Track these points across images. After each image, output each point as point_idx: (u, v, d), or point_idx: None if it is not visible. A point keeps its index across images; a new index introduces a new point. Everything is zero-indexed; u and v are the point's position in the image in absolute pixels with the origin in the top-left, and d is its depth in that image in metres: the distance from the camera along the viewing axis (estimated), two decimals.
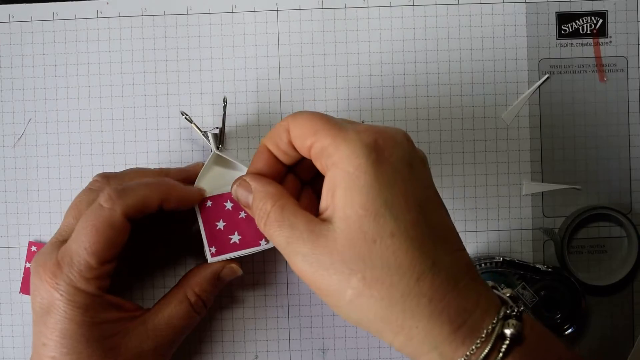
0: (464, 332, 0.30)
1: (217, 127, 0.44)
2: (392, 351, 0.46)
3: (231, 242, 0.40)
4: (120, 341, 0.37)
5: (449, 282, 0.30)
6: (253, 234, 0.40)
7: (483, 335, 0.30)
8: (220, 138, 0.44)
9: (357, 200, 0.30)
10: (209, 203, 0.41)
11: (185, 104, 0.46)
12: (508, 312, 0.31)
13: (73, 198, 0.46)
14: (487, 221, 0.46)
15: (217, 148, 0.43)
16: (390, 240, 0.30)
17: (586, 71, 0.46)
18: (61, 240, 0.38)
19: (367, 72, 0.46)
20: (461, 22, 0.46)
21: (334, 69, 0.46)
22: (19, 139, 0.46)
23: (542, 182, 0.46)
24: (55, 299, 0.36)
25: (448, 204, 0.46)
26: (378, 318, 0.30)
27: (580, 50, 0.46)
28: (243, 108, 0.46)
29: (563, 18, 0.46)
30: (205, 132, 0.44)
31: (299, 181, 0.38)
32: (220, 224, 0.40)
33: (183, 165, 0.45)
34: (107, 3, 0.46)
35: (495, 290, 0.33)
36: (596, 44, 0.46)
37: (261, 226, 0.34)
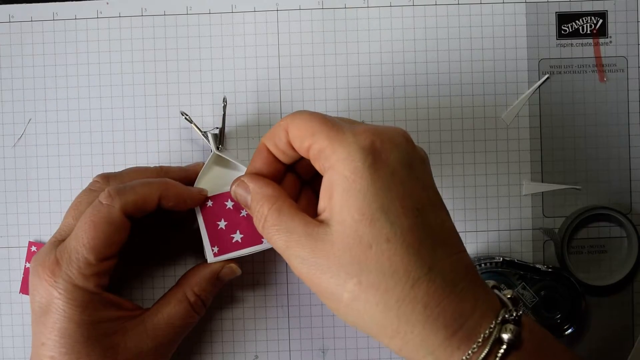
0: (460, 337, 0.30)
1: (217, 127, 0.44)
2: (392, 351, 0.46)
3: (233, 241, 0.40)
4: (119, 340, 0.37)
5: (445, 287, 0.30)
6: (255, 232, 0.40)
7: (480, 340, 0.30)
8: (220, 138, 0.44)
9: (354, 205, 0.30)
10: (209, 203, 0.41)
11: (185, 104, 0.46)
12: (506, 316, 0.30)
13: (73, 198, 0.46)
14: (487, 221, 0.46)
15: (217, 148, 0.43)
16: (385, 245, 0.30)
17: (586, 71, 0.46)
18: (60, 240, 0.38)
19: (367, 72, 0.46)
20: (461, 22, 0.46)
21: (334, 69, 0.46)
22: (19, 139, 0.46)
23: (542, 182, 0.46)
24: (53, 298, 0.36)
25: (448, 204, 0.46)
26: (373, 322, 0.31)
27: (580, 50, 0.46)
28: (243, 108, 0.46)
29: (563, 18, 0.46)
30: (205, 132, 0.44)
31: (299, 180, 0.38)
32: (222, 224, 0.40)
33: (183, 165, 0.45)
34: (107, 3, 0.46)
35: (496, 291, 0.33)
36: (596, 44, 0.46)
37: (259, 229, 0.34)
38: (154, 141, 0.46)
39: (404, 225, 0.30)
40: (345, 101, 0.46)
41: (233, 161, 0.42)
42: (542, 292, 0.44)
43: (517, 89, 0.46)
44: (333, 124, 0.32)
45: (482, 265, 0.44)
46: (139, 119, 0.46)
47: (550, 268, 0.44)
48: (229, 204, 0.41)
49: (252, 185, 0.35)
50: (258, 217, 0.34)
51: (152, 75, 0.46)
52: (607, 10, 0.46)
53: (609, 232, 0.46)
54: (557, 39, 0.46)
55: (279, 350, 0.46)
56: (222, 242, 0.40)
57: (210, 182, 0.42)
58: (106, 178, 0.40)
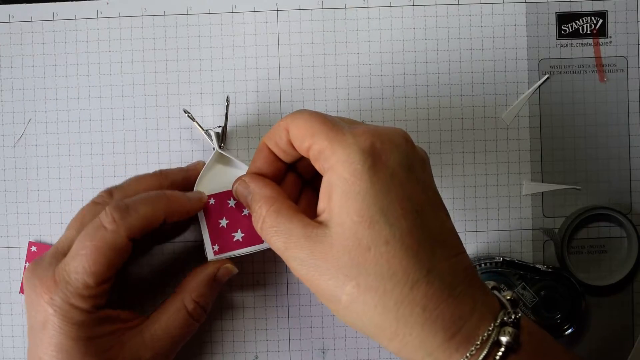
0: (459, 339, 0.30)
1: (219, 126, 0.44)
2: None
3: (234, 239, 0.40)
4: (117, 353, 0.37)
5: (443, 289, 0.30)
6: (256, 231, 0.40)
7: (478, 343, 0.30)
8: (222, 137, 0.44)
9: (353, 207, 0.30)
10: (211, 201, 0.41)
11: (185, 104, 0.46)
12: (505, 318, 0.30)
13: (73, 198, 0.46)
14: (487, 221, 0.46)
15: (220, 146, 0.43)
16: (384, 247, 0.30)
17: (586, 71, 0.46)
18: (61, 252, 0.37)
19: (367, 72, 0.46)
20: (461, 22, 0.46)
21: (334, 69, 0.46)
22: (19, 139, 0.46)
23: (542, 182, 0.46)
24: (49, 315, 0.35)
25: (448, 204, 0.46)
26: (372, 324, 0.31)
27: (580, 50, 0.46)
28: (243, 108, 0.46)
29: (563, 18, 0.46)
30: (207, 130, 0.44)
31: (300, 179, 0.38)
32: (223, 222, 0.40)
33: (183, 165, 0.45)
34: (107, 3, 0.46)
35: (495, 292, 0.33)
36: (596, 44, 0.46)
37: (257, 229, 0.34)
38: (154, 141, 0.46)
39: (403, 227, 0.30)
40: (345, 101, 0.46)
41: (235, 159, 0.42)
42: (542, 292, 0.44)
43: (517, 89, 0.46)
44: (333, 125, 0.32)
45: (482, 265, 0.44)
46: (139, 119, 0.46)
47: (550, 268, 0.44)
48: (231, 203, 0.41)
49: (252, 184, 0.35)
50: (256, 217, 0.34)
51: (152, 75, 0.46)
52: (607, 10, 0.46)
53: (609, 232, 0.46)
54: (557, 39, 0.46)
55: (279, 350, 0.46)
56: (222, 241, 0.40)
57: (213, 180, 0.42)
58: (109, 192, 0.40)
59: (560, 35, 0.46)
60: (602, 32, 0.46)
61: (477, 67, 0.46)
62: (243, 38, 0.46)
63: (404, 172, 0.32)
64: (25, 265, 0.46)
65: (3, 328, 0.46)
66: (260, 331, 0.46)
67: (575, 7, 0.46)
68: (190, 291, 0.40)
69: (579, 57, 0.46)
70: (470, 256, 0.46)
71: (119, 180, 0.46)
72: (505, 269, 0.44)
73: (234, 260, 0.41)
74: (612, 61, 0.46)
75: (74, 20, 0.46)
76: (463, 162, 0.46)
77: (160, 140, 0.46)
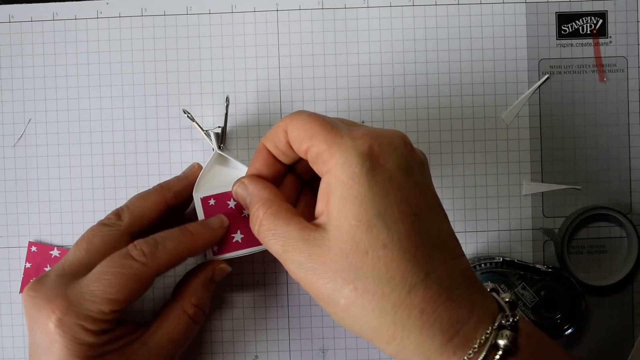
0: (456, 343, 0.30)
1: (219, 127, 0.44)
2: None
3: (233, 240, 0.40)
4: None
5: (441, 293, 0.30)
6: None
7: (476, 346, 0.29)
8: (222, 137, 0.44)
9: (350, 211, 0.30)
10: (211, 201, 0.41)
11: (185, 104, 0.46)
12: (503, 321, 0.30)
13: (73, 198, 0.46)
14: (487, 221, 0.46)
15: (219, 147, 0.43)
16: (382, 251, 0.30)
17: (586, 71, 0.46)
18: (69, 273, 0.37)
19: (367, 72, 0.46)
20: (461, 22, 0.46)
21: (334, 69, 0.46)
22: (19, 139, 0.46)
23: (542, 182, 0.46)
24: (57, 334, 0.35)
25: (448, 204, 0.46)
26: (370, 327, 0.30)
27: (580, 50, 0.46)
28: (243, 108, 0.46)
29: (563, 18, 0.46)
30: (207, 131, 0.44)
31: (299, 181, 0.38)
32: None
33: (183, 166, 0.45)
34: (107, 3, 0.46)
35: (494, 294, 0.33)
36: (596, 44, 0.46)
37: (255, 232, 0.34)
38: (154, 141, 0.46)
39: (401, 230, 0.30)
40: (345, 101, 0.46)
41: (234, 160, 0.42)
42: (542, 292, 0.44)
43: (517, 89, 0.46)
44: (331, 127, 0.32)
45: (482, 265, 0.44)
46: (139, 119, 0.46)
47: (550, 268, 0.44)
48: (231, 204, 0.41)
49: (250, 187, 0.35)
50: (253, 219, 0.34)
51: (152, 75, 0.46)
52: (607, 10, 0.46)
53: (609, 232, 0.46)
54: (557, 39, 0.46)
55: (279, 350, 0.46)
56: (222, 242, 0.40)
57: (212, 181, 0.42)
58: (117, 214, 0.40)
59: (560, 35, 0.46)
60: (602, 32, 0.46)
61: (477, 67, 0.46)
62: (243, 38, 0.46)
63: (402, 175, 0.31)
64: (25, 266, 0.46)
65: (3, 328, 0.46)
66: (260, 331, 0.46)
67: (575, 7, 0.46)
68: (189, 296, 0.40)
69: (579, 57, 0.46)
70: (470, 256, 0.46)
71: (119, 180, 0.46)
72: (505, 269, 0.44)
73: (234, 260, 0.41)
74: (612, 61, 0.46)
75: (74, 20, 0.46)
76: (463, 162, 0.46)
77: (160, 140, 0.46)
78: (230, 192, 0.39)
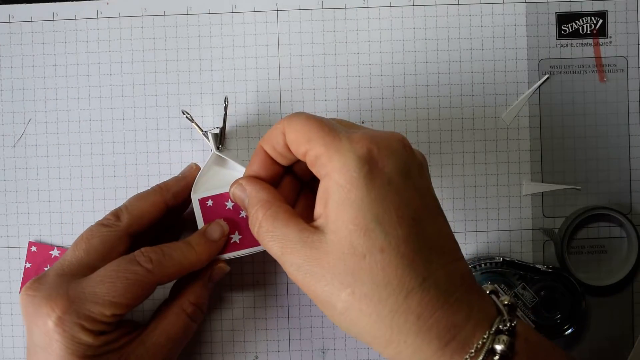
0: (453, 347, 0.29)
1: (218, 127, 0.44)
2: None
3: (232, 241, 0.40)
4: None
5: (439, 297, 0.30)
6: None
7: (472, 351, 0.29)
8: (220, 138, 0.44)
9: (348, 215, 0.30)
10: (209, 202, 0.41)
11: (185, 104, 0.46)
12: (500, 326, 0.30)
13: (73, 198, 0.46)
14: (487, 221, 0.46)
15: (217, 148, 0.43)
16: (379, 256, 0.30)
17: (586, 71, 0.46)
18: (68, 273, 0.37)
19: (367, 72, 0.46)
20: (461, 22, 0.46)
21: (334, 69, 0.46)
22: (19, 139, 0.46)
23: (542, 182, 0.46)
24: (56, 333, 0.35)
25: (448, 204, 0.46)
26: (367, 331, 0.30)
27: (580, 50, 0.46)
28: (243, 108, 0.46)
29: (563, 18, 0.46)
30: (205, 132, 0.44)
31: (298, 181, 0.38)
32: None
33: (183, 166, 0.45)
34: (107, 3, 0.46)
35: (493, 296, 0.32)
36: (596, 44, 0.46)
37: (254, 233, 0.34)
38: (154, 141, 0.46)
39: (398, 235, 0.30)
40: (345, 101, 0.46)
41: (232, 161, 0.42)
42: (542, 292, 0.44)
43: (517, 89, 0.46)
44: (329, 130, 0.32)
45: (482, 265, 0.44)
46: (139, 119, 0.46)
47: (550, 268, 0.44)
48: (229, 205, 0.41)
49: (248, 188, 0.35)
50: (253, 221, 0.34)
51: (152, 75, 0.46)
52: (607, 10, 0.46)
53: (609, 232, 0.46)
54: (557, 39, 0.46)
55: (279, 350, 0.46)
56: None
57: (210, 181, 0.42)
58: (116, 215, 0.40)
59: (560, 35, 0.46)
60: (602, 32, 0.46)
61: (477, 67, 0.46)
62: (243, 38, 0.46)
63: (401, 179, 0.31)
64: (25, 266, 0.46)
65: (3, 328, 0.46)
66: (260, 331, 0.46)
67: (575, 7, 0.46)
68: (187, 295, 0.40)
69: (579, 57, 0.46)
70: (470, 256, 0.46)
71: (118, 180, 0.46)
72: (505, 269, 0.44)
73: (234, 260, 0.41)
74: (612, 61, 0.46)
75: (74, 20, 0.46)
76: (463, 162, 0.46)
77: (160, 140, 0.46)
78: (228, 193, 0.39)
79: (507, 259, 0.44)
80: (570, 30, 0.46)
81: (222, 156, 0.42)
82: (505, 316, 0.31)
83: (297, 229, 0.32)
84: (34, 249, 0.46)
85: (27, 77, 0.46)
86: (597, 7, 0.46)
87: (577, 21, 0.46)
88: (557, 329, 0.44)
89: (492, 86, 0.46)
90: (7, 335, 0.46)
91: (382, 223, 0.30)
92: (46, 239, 0.46)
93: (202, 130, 0.44)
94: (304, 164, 0.34)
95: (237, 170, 0.41)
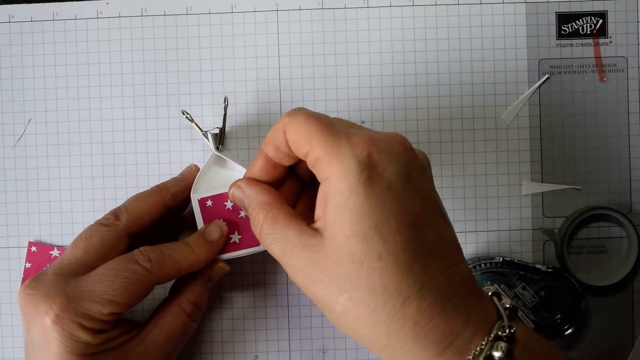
0: (450, 354, 0.29)
1: (218, 127, 0.44)
2: None
3: (231, 241, 0.40)
4: None
5: (436, 304, 0.30)
6: (253, 233, 0.40)
7: (470, 358, 0.29)
8: (220, 138, 0.44)
9: (347, 222, 0.30)
10: (209, 202, 0.41)
11: (185, 104, 0.46)
12: (499, 332, 0.30)
13: (73, 198, 0.46)
14: (487, 221, 0.46)
15: (217, 148, 0.43)
16: (377, 262, 0.30)
17: (586, 71, 0.46)
18: (67, 272, 0.37)
19: (367, 72, 0.46)
20: (461, 22, 0.46)
21: (334, 69, 0.46)
22: (19, 139, 0.46)
23: (542, 182, 0.46)
24: (54, 331, 0.35)
25: (448, 204, 0.46)
26: (364, 335, 0.31)
27: (580, 50, 0.46)
28: (243, 108, 0.46)
29: (563, 18, 0.46)
30: (205, 132, 0.44)
31: (299, 181, 0.38)
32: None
33: (183, 166, 0.45)
34: (107, 3, 0.46)
35: (495, 299, 0.32)
36: (596, 44, 0.46)
37: (256, 235, 0.34)
38: (154, 141, 0.46)
39: (397, 242, 0.30)
40: (345, 101, 0.46)
41: (232, 162, 0.42)
42: (542, 292, 0.44)
43: (517, 89, 0.46)
44: (330, 131, 0.31)
45: (482, 265, 0.44)
46: (139, 119, 0.46)
47: (550, 268, 0.44)
48: (229, 205, 0.41)
49: (248, 190, 0.35)
50: (254, 223, 0.34)
51: (152, 75, 0.46)
52: (607, 10, 0.46)
53: (609, 232, 0.46)
54: (557, 39, 0.46)
55: (279, 350, 0.46)
56: None
57: (210, 182, 0.42)
58: (115, 214, 0.40)
59: (560, 35, 0.46)
60: (602, 32, 0.46)
61: (477, 67, 0.46)
62: (243, 38, 0.46)
63: (401, 183, 0.31)
64: (25, 266, 0.46)
65: (3, 328, 0.46)
66: (260, 331, 0.46)
67: (575, 7, 0.46)
68: (187, 294, 0.40)
69: (579, 57, 0.46)
70: (470, 256, 0.46)
71: (118, 180, 0.46)
72: (505, 269, 0.44)
73: (234, 260, 0.41)
74: (612, 61, 0.46)
75: (74, 20, 0.46)
76: (463, 162, 0.46)
77: (160, 140, 0.46)
78: (227, 193, 0.39)
79: (507, 259, 0.44)
80: (570, 30, 0.46)
81: (222, 156, 0.42)
82: (505, 321, 0.31)
83: (297, 231, 0.32)
84: (34, 249, 0.46)
85: (27, 77, 0.46)
86: (597, 7, 0.46)
87: (577, 21, 0.46)
88: (557, 329, 0.44)
89: (492, 86, 0.46)
90: (7, 335, 0.46)
91: (380, 230, 0.30)
92: (46, 239, 0.46)
93: (201, 131, 0.44)
94: (305, 164, 0.34)
95: (237, 171, 0.41)
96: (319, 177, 0.32)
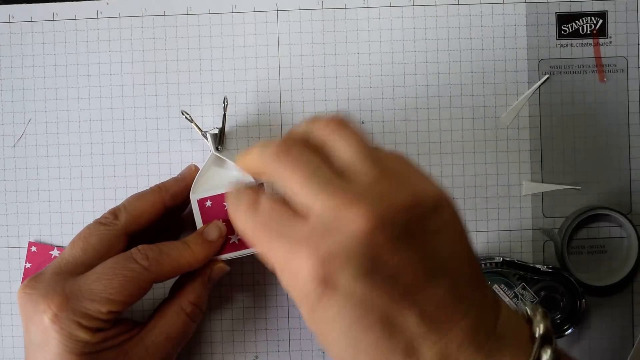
0: None
1: (217, 128, 0.44)
2: None
3: (231, 242, 0.40)
4: None
5: None
6: None
7: None
8: (220, 138, 0.44)
9: (314, 329, 0.29)
10: (208, 203, 0.41)
11: (185, 104, 0.46)
12: None
13: (73, 198, 0.46)
14: (487, 221, 0.46)
15: (217, 149, 0.43)
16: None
17: (586, 71, 0.46)
18: (65, 271, 0.37)
19: (367, 72, 0.46)
20: (461, 22, 0.46)
21: (334, 69, 0.46)
22: (19, 139, 0.46)
23: (542, 182, 0.46)
24: (53, 330, 0.35)
25: None
26: None
27: (580, 50, 0.46)
28: (243, 108, 0.46)
29: (563, 18, 0.46)
30: (204, 132, 0.44)
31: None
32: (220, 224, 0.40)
33: (183, 166, 0.45)
34: (107, 3, 0.46)
35: (536, 330, 0.29)
36: (596, 44, 0.46)
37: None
38: (154, 141, 0.46)
39: (369, 342, 0.28)
40: (346, 101, 0.46)
41: (231, 162, 0.42)
42: (542, 292, 0.44)
43: (517, 89, 0.46)
44: (272, 239, 0.29)
45: (482, 265, 0.44)
46: (139, 119, 0.46)
47: (550, 268, 0.44)
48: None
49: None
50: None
51: (152, 75, 0.46)
52: (607, 11, 0.46)
53: (609, 232, 0.46)
54: (557, 39, 0.46)
55: (279, 350, 0.46)
56: None
57: (209, 182, 0.42)
58: (114, 214, 0.40)
59: (560, 35, 0.46)
60: (602, 32, 0.46)
61: (477, 67, 0.46)
62: (243, 38, 0.46)
63: (361, 283, 0.27)
64: (25, 266, 0.46)
65: (3, 328, 0.46)
66: (260, 331, 0.46)
67: (575, 7, 0.46)
68: (187, 294, 0.40)
69: (579, 57, 0.46)
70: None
71: (118, 180, 0.46)
72: (505, 269, 0.44)
73: (234, 260, 0.41)
74: (612, 61, 0.46)
75: (74, 20, 0.46)
76: (463, 162, 0.46)
77: (160, 141, 0.46)
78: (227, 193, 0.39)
79: (507, 259, 0.44)
80: (570, 31, 0.46)
81: (221, 157, 0.42)
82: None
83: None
84: (34, 249, 0.46)
85: (27, 77, 0.46)
86: (597, 7, 0.46)
87: (577, 21, 0.46)
88: (557, 329, 0.44)
89: (492, 86, 0.46)
90: (7, 335, 0.46)
91: (348, 338, 0.28)
92: (46, 239, 0.46)
93: (201, 131, 0.44)
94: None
95: (236, 171, 0.41)
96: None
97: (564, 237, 0.45)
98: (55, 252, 0.46)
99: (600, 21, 0.46)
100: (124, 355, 0.37)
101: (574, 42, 0.46)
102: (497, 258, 0.44)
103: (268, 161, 0.31)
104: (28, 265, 0.46)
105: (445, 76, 0.46)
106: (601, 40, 0.46)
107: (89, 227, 0.39)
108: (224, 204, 0.41)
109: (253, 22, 0.46)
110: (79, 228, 0.45)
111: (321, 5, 0.46)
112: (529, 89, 0.46)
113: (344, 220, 0.27)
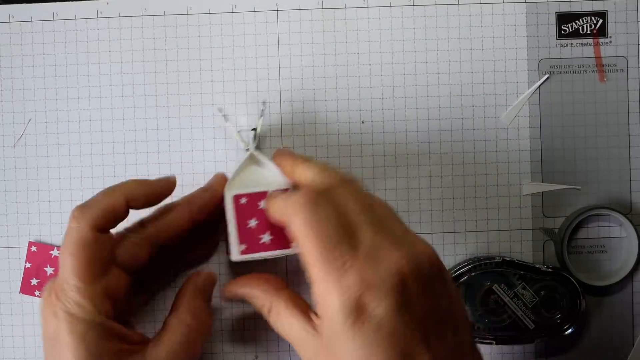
0: None
1: (254, 128, 0.44)
2: None
3: (261, 242, 0.40)
4: None
5: None
6: (284, 236, 0.39)
7: None
8: (254, 137, 0.44)
9: (336, 356, 0.31)
10: (243, 200, 0.40)
11: (185, 104, 0.46)
12: None
13: (73, 198, 0.46)
14: (487, 221, 0.46)
15: (255, 147, 0.43)
16: None
17: (586, 71, 0.46)
18: None
19: (367, 72, 0.46)
20: (461, 22, 0.46)
21: (333, 69, 0.46)
22: (19, 139, 0.46)
23: (542, 182, 0.46)
24: (58, 329, 0.35)
25: (448, 204, 0.46)
26: None
27: (580, 50, 0.46)
28: (243, 108, 0.46)
29: (563, 18, 0.46)
30: (239, 131, 0.44)
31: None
32: (252, 223, 0.40)
33: (183, 166, 0.45)
34: (107, 3, 0.46)
35: None
36: (596, 44, 0.46)
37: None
38: (154, 141, 0.46)
39: None
40: (346, 101, 0.46)
41: (269, 162, 0.41)
42: (542, 292, 0.44)
43: (517, 89, 0.46)
44: (326, 259, 0.31)
45: (482, 265, 0.44)
46: (139, 119, 0.46)
47: (550, 268, 0.44)
48: (262, 204, 0.40)
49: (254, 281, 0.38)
50: (264, 312, 0.38)
51: (152, 75, 0.46)
52: (607, 10, 0.46)
53: (609, 232, 0.46)
54: (557, 39, 0.46)
55: (279, 350, 0.46)
56: (250, 241, 0.39)
57: (245, 180, 0.41)
58: (141, 223, 0.40)
59: (560, 35, 0.46)
60: (602, 32, 0.46)
61: (477, 67, 0.46)
62: (243, 38, 0.46)
63: (396, 316, 0.30)
64: (25, 266, 0.46)
65: (3, 328, 0.46)
66: (260, 331, 0.46)
67: (575, 7, 0.46)
68: (184, 305, 0.39)
69: (579, 57, 0.46)
70: (470, 256, 0.46)
71: (118, 181, 0.46)
72: (505, 269, 0.44)
73: (238, 264, 0.41)
74: (612, 61, 0.46)
75: (74, 20, 0.46)
76: (463, 162, 0.46)
77: (160, 141, 0.46)
78: (263, 192, 0.39)
79: (507, 259, 0.44)
80: (570, 30, 0.46)
81: (260, 156, 0.42)
82: None
83: (297, 329, 0.35)
84: (34, 249, 0.46)
85: (27, 77, 0.46)
86: (597, 7, 0.46)
87: (577, 21, 0.46)
88: (557, 329, 0.44)
89: (492, 86, 0.46)
90: (7, 335, 0.46)
91: None
92: (46, 239, 0.46)
93: (236, 129, 0.44)
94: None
95: (272, 170, 0.41)
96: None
97: (564, 237, 0.45)
98: (55, 252, 0.46)
99: (600, 21, 0.46)
100: None
101: (574, 42, 0.46)
102: (497, 258, 0.44)
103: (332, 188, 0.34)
104: (28, 265, 0.46)
105: (445, 76, 0.46)
106: (601, 40, 0.46)
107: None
108: (259, 202, 0.40)
109: (253, 22, 0.46)
110: None
111: (321, 5, 0.46)
112: (529, 88, 0.46)
113: (387, 258, 0.31)
